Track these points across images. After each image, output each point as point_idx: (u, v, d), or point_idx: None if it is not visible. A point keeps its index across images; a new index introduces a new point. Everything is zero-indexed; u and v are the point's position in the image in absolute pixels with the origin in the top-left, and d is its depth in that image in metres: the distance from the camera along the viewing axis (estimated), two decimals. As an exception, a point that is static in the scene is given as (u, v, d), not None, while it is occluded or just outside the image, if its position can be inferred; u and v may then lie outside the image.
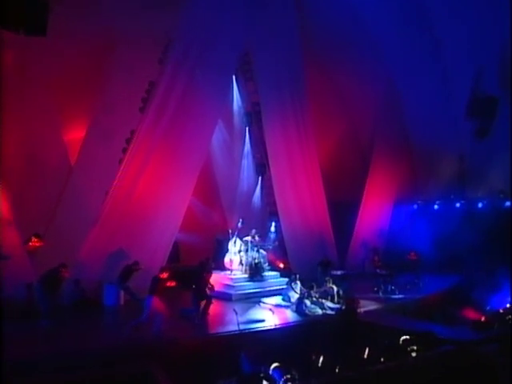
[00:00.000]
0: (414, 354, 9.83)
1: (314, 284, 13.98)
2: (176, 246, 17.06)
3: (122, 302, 13.72)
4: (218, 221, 18.75)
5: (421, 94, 19.25)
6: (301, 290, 14.40)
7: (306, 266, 17.14)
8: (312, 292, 13.51)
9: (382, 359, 9.58)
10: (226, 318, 12.45)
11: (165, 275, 10.99)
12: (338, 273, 16.49)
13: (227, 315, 12.75)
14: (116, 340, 10.41)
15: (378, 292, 15.43)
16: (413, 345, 9.99)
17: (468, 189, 20.75)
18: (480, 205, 20.03)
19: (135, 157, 14.18)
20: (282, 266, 17.84)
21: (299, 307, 13.09)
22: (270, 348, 10.58)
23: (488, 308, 13.84)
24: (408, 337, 10.23)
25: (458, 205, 20.58)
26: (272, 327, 11.73)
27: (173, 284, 11.30)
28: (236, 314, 11.12)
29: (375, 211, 20.76)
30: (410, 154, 20.82)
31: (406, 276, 17.14)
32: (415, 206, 22.12)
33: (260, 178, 19.32)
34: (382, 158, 20.08)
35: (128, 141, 14.48)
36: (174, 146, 14.51)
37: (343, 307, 12.12)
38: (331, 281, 14.19)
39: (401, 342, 10.18)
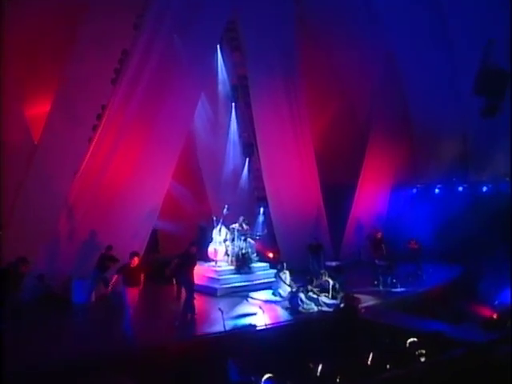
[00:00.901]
0: (423, 359, 9.09)
1: (314, 278, 13.30)
2: (155, 235, 16.29)
3: (93, 298, 12.74)
4: (201, 207, 18.02)
5: (423, 69, 18.85)
6: (291, 282, 13.77)
7: (297, 256, 16.62)
8: (309, 286, 12.66)
9: (388, 366, 8.80)
10: (211, 317, 11.68)
11: (135, 262, 9.99)
12: (333, 264, 15.84)
13: (211, 313, 12.00)
14: (84, 347, 9.41)
15: (378, 285, 14.70)
16: (421, 348, 9.25)
17: (471, 172, 20.31)
18: (484, 189, 19.72)
19: (107, 135, 13.35)
20: (271, 255, 17.23)
21: (293, 303, 12.35)
22: (260, 352, 9.80)
23: (497, 303, 13.19)
24: (415, 339, 9.44)
25: (460, 189, 20.28)
26: (263, 327, 10.95)
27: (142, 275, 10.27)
28: (222, 312, 10.26)
29: (372, 195, 20.16)
30: (409, 134, 20.54)
31: (407, 267, 16.58)
32: (414, 190, 21.73)
33: (247, 160, 18.64)
34: (379, 138, 19.51)
35: (99, 117, 13.74)
36: (151, 123, 13.69)
37: (342, 305, 11.29)
38: (326, 273, 13.38)
39: (407, 345, 9.40)
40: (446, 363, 8.84)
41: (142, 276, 10.28)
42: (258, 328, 10.92)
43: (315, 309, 12.37)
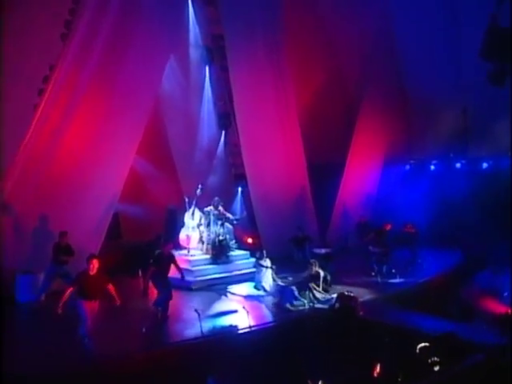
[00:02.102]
0: (436, 368, 8.29)
1: (313, 272, 12.30)
2: (116, 219, 15.23)
3: (42, 297, 11.44)
4: (170, 186, 16.85)
5: (420, 33, 18.30)
6: (273, 273, 12.95)
7: (279, 242, 16.00)
8: (311, 284, 11.76)
9: (399, 378, 7.97)
10: (184, 318, 10.67)
11: (94, 267, 8.57)
12: (322, 251, 14.89)
13: (185, 312, 11.00)
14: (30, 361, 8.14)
15: (375, 276, 13.90)
16: (434, 355, 8.45)
17: (470, 146, 19.95)
18: (484, 165, 19.37)
19: (56, 101, 12.22)
20: (250, 241, 16.45)
21: (286, 298, 11.37)
22: (244, 361, 8.79)
23: (506, 294, 12.53)
24: (426, 344, 8.66)
25: (458, 165, 19.94)
26: (246, 330, 9.86)
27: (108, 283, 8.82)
28: (199, 315, 9.11)
29: (362, 174, 19.47)
30: (404, 106, 20.30)
31: (402, 253, 15.89)
32: (407, 167, 21.28)
33: (223, 133, 17.83)
34: (371, 110, 18.93)
35: (46, 79, 12.64)
36: (110, 89, 12.77)
37: (336, 305, 10.28)
38: (317, 263, 12.41)
39: (418, 351, 8.64)
40: (465, 374, 8.12)
41: (109, 286, 8.79)
42: (240, 331, 9.88)
43: (306, 306, 11.30)
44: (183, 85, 16.67)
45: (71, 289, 8.54)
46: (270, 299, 12.19)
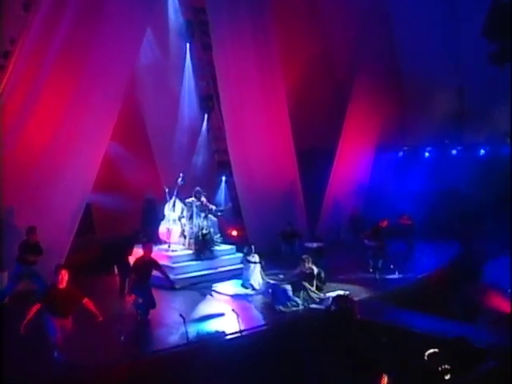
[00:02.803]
0: (447, 377, 7.85)
1: (320, 271, 11.81)
2: (88, 211, 14.78)
3: (6, 300, 10.73)
4: (148, 174, 16.45)
5: (416, 9, 18.10)
6: (261, 271, 12.53)
7: (266, 234, 15.55)
8: (306, 284, 11.26)
9: None
10: (166, 322, 10.03)
11: (63, 279, 7.80)
12: (314, 245, 14.53)
13: (167, 316, 10.37)
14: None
15: (374, 272, 13.50)
16: (444, 362, 7.97)
17: (467, 132, 19.76)
18: (482, 152, 19.23)
19: (18, 80, 11.63)
20: (234, 234, 16.14)
21: (279, 299, 10.82)
22: (235, 371, 8.28)
23: (510, 290, 12.12)
24: (436, 350, 8.18)
25: (454, 152, 19.79)
26: (237, 335, 9.30)
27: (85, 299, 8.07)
28: (184, 319, 8.53)
29: (353, 160, 19.11)
30: (397, 87, 19.93)
31: (399, 246, 15.59)
32: (400, 154, 21.04)
33: (206, 116, 17.30)
34: (363, 93, 18.64)
35: (6, 55, 12.16)
36: (79, 65, 12.09)
37: (332, 307, 9.75)
38: (310, 259, 11.91)
39: (427, 358, 8.09)
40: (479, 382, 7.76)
41: (85, 301, 8.02)
42: (229, 336, 9.32)
43: (300, 307, 10.79)
44: (161, 63, 16.10)
45: (37, 306, 7.71)
46: (259, 299, 11.69)
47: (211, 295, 12.06)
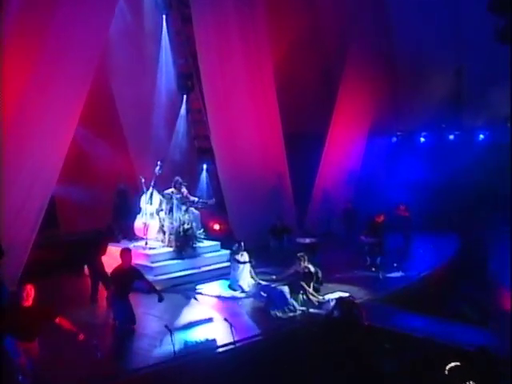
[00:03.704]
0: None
1: (317, 270, 11.28)
2: (51, 204, 13.72)
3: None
4: (120, 162, 15.72)
5: None
6: (252, 268, 12.04)
7: (252, 228, 15.12)
8: (303, 283, 10.65)
9: None
10: (147, 333, 9.33)
11: (29, 296, 6.91)
12: (306, 241, 14.10)
13: (148, 325, 9.68)
14: None
15: (372, 270, 13.09)
16: (468, 377, 7.55)
17: (465, 115, 19.46)
18: (481, 137, 19.08)
19: None
20: (217, 227, 15.76)
21: (277, 304, 10.19)
22: None
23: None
24: (457, 363, 7.75)
25: (451, 137, 19.60)
26: (230, 347, 8.63)
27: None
28: (170, 332, 7.84)
29: (344, 147, 18.72)
30: (391, 66, 19.65)
31: (396, 240, 15.37)
32: (394, 139, 20.77)
33: (185, 98, 16.72)
34: (355, 71, 18.29)
35: None
36: (40, 39, 11.30)
37: (335, 312, 9.12)
38: (306, 258, 11.39)
39: (447, 372, 7.61)
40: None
41: (59, 321, 7.16)
42: (221, 348, 8.66)
43: (298, 312, 10.18)
44: (135, 38, 15.38)
45: None
46: (250, 302, 11.10)
47: (195, 299, 11.43)
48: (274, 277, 11.93)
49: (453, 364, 7.75)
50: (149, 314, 10.17)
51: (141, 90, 15.72)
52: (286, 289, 10.35)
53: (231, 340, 8.68)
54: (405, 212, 15.96)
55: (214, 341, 8.83)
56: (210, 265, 13.08)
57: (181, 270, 12.59)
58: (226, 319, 8.71)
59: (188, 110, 16.81)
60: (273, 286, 10.95)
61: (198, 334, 9.15)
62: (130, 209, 14.31)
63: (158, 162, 13.16)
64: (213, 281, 12.44)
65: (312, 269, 11.34)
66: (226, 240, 14.01)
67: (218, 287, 12.04)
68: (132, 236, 13.34)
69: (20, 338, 6.79)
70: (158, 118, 16.02)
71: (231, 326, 8.58)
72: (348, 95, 18.34)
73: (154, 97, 16.01)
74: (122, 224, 14.10)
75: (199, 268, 12.87)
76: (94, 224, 15.10)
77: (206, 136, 16.29)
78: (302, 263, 11.25)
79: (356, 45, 18.49)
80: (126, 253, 9.27)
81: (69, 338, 7.40)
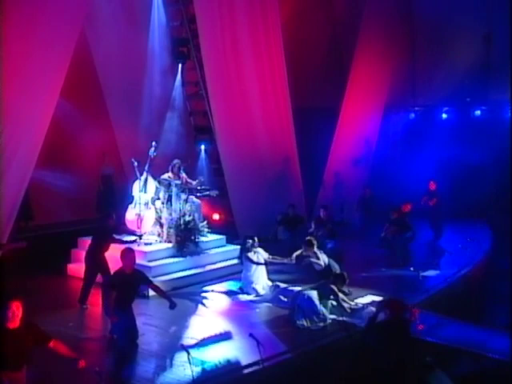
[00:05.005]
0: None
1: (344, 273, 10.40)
2: (25, 193, 13.11)
3: None
4: (106, 144, 15.64)
5: None
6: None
7: (259, 218, 14.74)
8: (332, 286, 9.76)
9: None
10: (153, 350, 8.53)
11: (15, 316, 5.80)
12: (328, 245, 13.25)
13: (153, 342, 8.82)
14: None
15: (416, 271, 12.15)
16: None
17: (494, 88, 19.09)
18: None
19: None
20: (216, 217, 15.17)
21: (302, 311, 9.35)
22: None
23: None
24: None
25: (477, 112, 19.24)
26: (256, 367, 7.75)
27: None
28: (188, 353, 7.05)
29: (359, 124, 18.46)
30: (409, 31, 19.87)
31: (426, 232, 15.20)
32: (412, 116, 20.69)
33: (180, 67, 16.08)
34: (369, 38, 18.15)
35: None
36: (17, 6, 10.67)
37: (381, 315, 8.24)
38: (315, 244, 10.82)
39: None
40: None
41: (54, 345, 6.18)
42: (246, 369, 7.84)
43: (328, 321, 9.41)
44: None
45: None
46: (269, 309, 10.30)
47: (203, 304, 10.66)
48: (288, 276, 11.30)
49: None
50: (150, 325, 9.34)
51: (127, 58, 15.08)
52: (314, 294, 9.52)
53: (257, 358, 7.78)
54: (433, 199, 15.38)
55: (237, 360, 8.04)
56: (215, 263, 12.54)
57: (182, 270, 11.92)
58: (251, 335, 7.83)
59: (184, 82, 16.33)
60: (296, 289, 10.13)
61: (216, 352, 8.32)
62: (116, 197, 14.09)
63: (153, 143, 12.58)
64: (220, 282, 11.82)
65: (326, 260, 10.70)
66: (227, 232, 13.64)
67: (227, 290, 11.37)
68: (123, 229, 12.45)
69: (5, 366, 5.89)
70: (150, 91, 15.50)
71: (258, 343, 7.73)
72: (362, 65, 18.25)
73: (144, 66, 15.38)
74: (106, 216, 13.22)
75: (203, 267, 12.25)
76: (74, 215, 15.44)
77: (203, 112, 15.77)
78: (312, 249, 10.56)
79: (370, 8, 18.26)
80: (128, 254, 8.32)
81: (65, 365, 6.49)
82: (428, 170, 17.35)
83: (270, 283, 11.02)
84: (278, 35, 15.67)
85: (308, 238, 11.04)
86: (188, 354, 7.17)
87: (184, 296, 10.88)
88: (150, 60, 15.42)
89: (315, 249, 10.71)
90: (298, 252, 10.88)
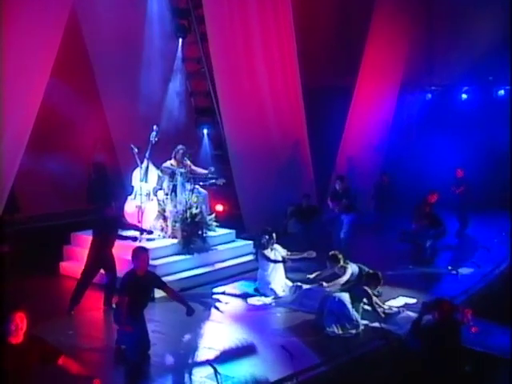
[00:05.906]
0: None
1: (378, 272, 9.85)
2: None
3: None
4: (98, 129, 15.54)
5: None
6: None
7: (268, 210, 14.50)
8: (366, 288, 9.22)
9: None
10: (165, 362, 8.17)
11: (19, 329, 5.29)
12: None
13: (165, 353, 8.34)
14: None
15: (454, 268, 11.93)
16: None
17: None
18: None
19: None
20: (220, 208, 14.59)
21: (332, 316, 8.87)
22: None
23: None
24: None
25: (501, 92, 19.07)
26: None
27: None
28: (215, 370, 6.72)
29: (374, 104, 18.23)
30: (426, 4, 19.70)
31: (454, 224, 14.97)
32: (429, 96, 20.49)
33: (180, 42, 15.58)
34: (384, 15, 17.86)
35: None
36: None
37: (430, 316, 7.75)
38: (343, 257, 10.17)
39: None
40: None
41: (64, 361, 5.61)
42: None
43: (360, 327, 8.90)
44: None
45: None
46: (291, 314, 9.79)
47: (217, 308, 10.18)
48: (309, 276, 10.61)
49: None
50: (161, 333, 8.81)
51: (120, 32, 14.40)
52: (345, 296, 8.98)
53: (289, 373, 7.31)
54: (460, 187, 15.21)
55: (265, 376, 7.44)
56: (224, 260, 12.16)
57: (189, 269, 11.50)
58: (284, 346, 7.31)
59: (184, 59, 15.83)
60: (326, 293, 9.57)
61: (241, 366, 7.78)
62: (109, 186, 14.28)
63: (154, 127, 12.11)
64: (232, 282, 11.40)
65: (355, 269, 10.05)
66: (232, 225, 13.23)
67: (241, 291, 10.91)
68: (121, 223, 11.60)
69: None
70: (148, 70, 14.99)
71: (291, 355, 7.21)
72: (377, 40, 18.02)
73: (139, 42, 14.87)
74: (99, 207, 12.81)
75: (212, 265, 11.85)
76: (63, 205, 15.33)
77: (205, 93, 15.48)
78: (339, 263, 9.94)
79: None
80: (140, 254, 7.75)
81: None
82: (449, 155, 17.20)
83: (290, 283, 10.57)
84: (287, 9, 15.41)
85: (332, 252, 10.31)
86: (215, 370, 6.73)
87: (193, 298, 10.20)
88: (148, 35, 14.99)
89: (342, 262, 10.03)
90: (322, 273, 10.22)
